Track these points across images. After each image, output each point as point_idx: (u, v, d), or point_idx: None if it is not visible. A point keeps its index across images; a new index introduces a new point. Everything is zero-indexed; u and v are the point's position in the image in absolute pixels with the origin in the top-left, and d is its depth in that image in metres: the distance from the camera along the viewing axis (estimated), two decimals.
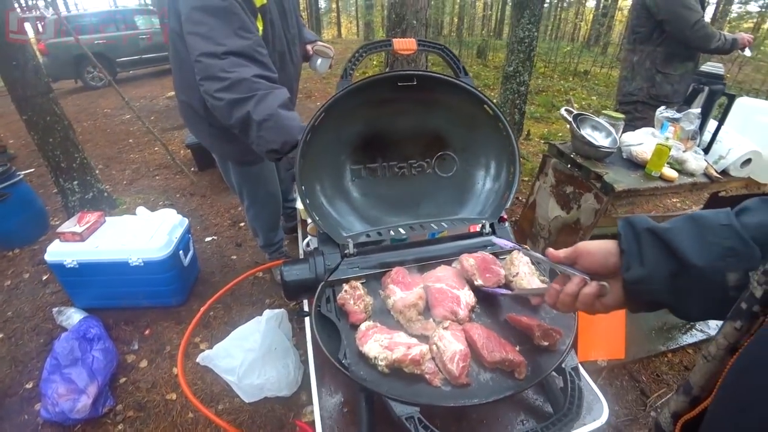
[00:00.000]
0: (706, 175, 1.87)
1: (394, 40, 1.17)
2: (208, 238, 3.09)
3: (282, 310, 1.90)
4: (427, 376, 0.80)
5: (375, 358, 0.80)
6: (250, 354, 1.71)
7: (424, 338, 0.90)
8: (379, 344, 0.82)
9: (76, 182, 3.09)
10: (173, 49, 1.56)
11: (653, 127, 2.06)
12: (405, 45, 1.17)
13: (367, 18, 16.26)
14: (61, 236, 2.13)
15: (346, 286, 0.98)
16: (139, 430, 1.76)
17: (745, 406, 0.39)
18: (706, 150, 1.96)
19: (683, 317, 0.56)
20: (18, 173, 2.92)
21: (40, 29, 7.69)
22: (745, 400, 0.39)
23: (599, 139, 1.95)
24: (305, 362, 1.84)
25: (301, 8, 12.99)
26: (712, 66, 1.91)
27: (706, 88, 1.89)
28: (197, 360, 1.80)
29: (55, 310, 2.28)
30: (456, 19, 17.11)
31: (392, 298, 0.95)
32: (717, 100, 1.92)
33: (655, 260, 0.55)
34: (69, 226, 2.18)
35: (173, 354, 2.09)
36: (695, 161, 1.85)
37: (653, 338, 2.19)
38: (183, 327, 2.25)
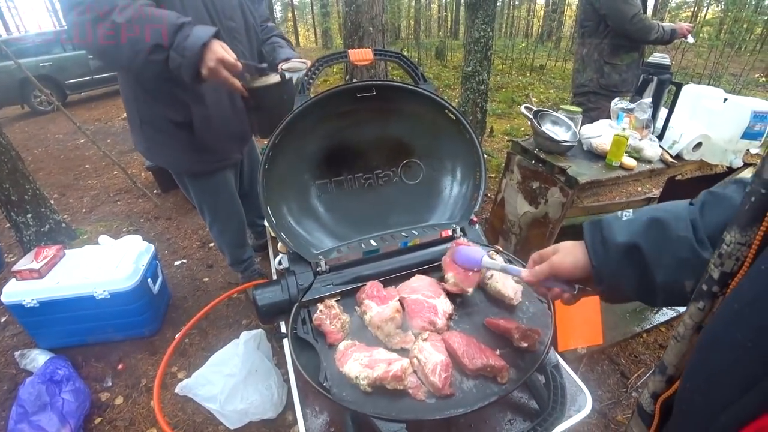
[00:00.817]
0: (662, 161, 1.95)
1: (350, 51, 1.16)
2: (178, 262, 2.99)
3: (260, 330, 1.86)
4: (410, 391, 0.80)
5: (356, 377, 0.79)
6: (230, 379, 1.66)
7: (404, 352, 0.89)
8: (359, 363, 0.80)
9: (29, 215, 2.93)
10: None
11: (606, 116, 2.13)
12: (361, 56, 1.16)
13: (324, 26, 16.26)
14: (17, 275, 2.01)
15: (321, 306, 0.96)
16: None
17: (711, 381, 0.41)
18: (660, 137, 2.04)
19: (650, 305, 0.66)
20: None
21: None
22: (711, 376, 0.41)
23: (560, 133, 2.00)
24: (288, 381, 1.80)
25: None
26: (658, 57, 2.00)
27: (655, 78, 1.98)
28: (176, 390, 1.73)
29: (17, 353, 2.14)
30: (413, 22, 17.29)
31: (369, 313, 0.94)
32: (666, 89, 2.01)
33: (624, 273, 0.63)
34: (25, 263, 2.05)
35: (150, 387, 2.00)
36: (651, 148, 1.92)
37: (628, 320, 2.26)
38: (158, 357, 2.16)
